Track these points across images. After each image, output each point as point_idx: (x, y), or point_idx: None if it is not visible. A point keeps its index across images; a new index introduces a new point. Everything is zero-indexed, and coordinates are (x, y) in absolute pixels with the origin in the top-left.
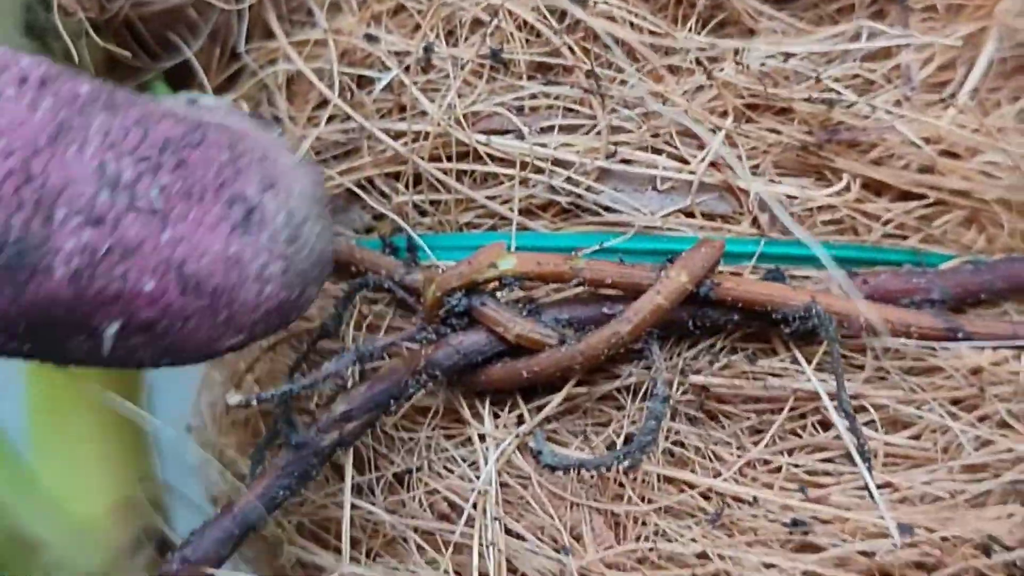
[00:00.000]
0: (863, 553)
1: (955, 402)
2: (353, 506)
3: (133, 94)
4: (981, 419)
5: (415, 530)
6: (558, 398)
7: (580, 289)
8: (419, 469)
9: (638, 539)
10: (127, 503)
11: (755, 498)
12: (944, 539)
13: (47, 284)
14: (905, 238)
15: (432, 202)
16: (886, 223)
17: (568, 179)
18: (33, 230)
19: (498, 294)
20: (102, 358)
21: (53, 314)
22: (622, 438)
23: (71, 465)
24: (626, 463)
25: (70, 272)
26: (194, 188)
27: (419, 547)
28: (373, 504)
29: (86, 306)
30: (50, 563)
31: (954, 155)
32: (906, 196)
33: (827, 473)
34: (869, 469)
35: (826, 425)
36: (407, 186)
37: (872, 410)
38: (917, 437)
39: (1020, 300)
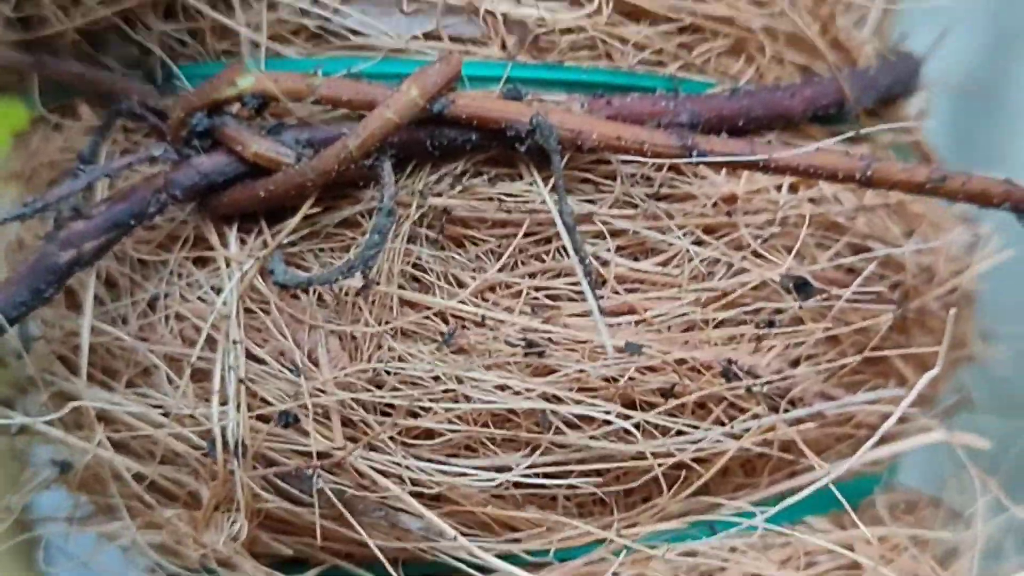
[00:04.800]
0: (607, 380)
1: (707, 230)
2: (104, 333)
3: None
4: (735, 248)
5: (164, 356)
6: (295, 219)
7: (326, 114)
8: (167, 295)
9: (370, 359)
10: None
11: (483, 318)
12: (684, 362)
13: None
14: (663, 65)
15: (191, 32)
16: (641, 48)
17: (315, 1)
18: None
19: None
20: None
21: None
22: None
23: None
24: (354, 279)
25: None
26: None
27: (168, 375)
28: (127, 331)
29: None
30: None
31: None
32: (665, 22)
33: (570, 298)
34: (591, 284)
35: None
36: (165, 16)
37: (616, 235)
38: (665, 264)
39: (784, 129)
